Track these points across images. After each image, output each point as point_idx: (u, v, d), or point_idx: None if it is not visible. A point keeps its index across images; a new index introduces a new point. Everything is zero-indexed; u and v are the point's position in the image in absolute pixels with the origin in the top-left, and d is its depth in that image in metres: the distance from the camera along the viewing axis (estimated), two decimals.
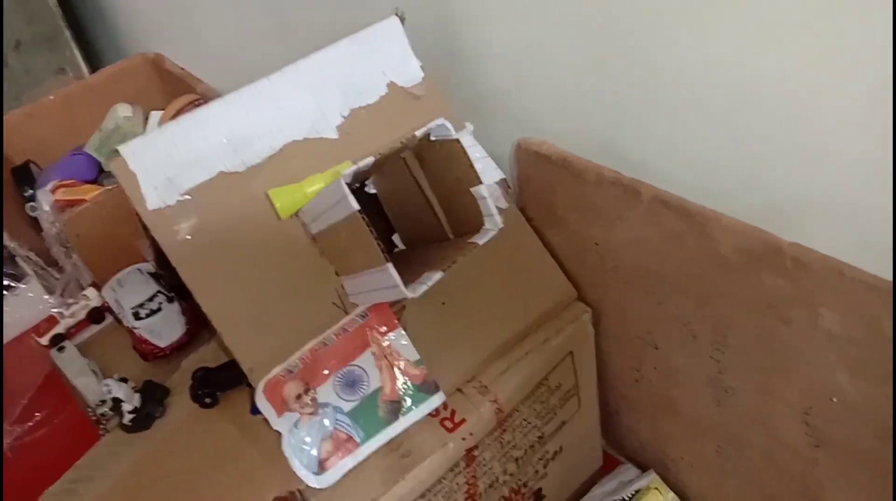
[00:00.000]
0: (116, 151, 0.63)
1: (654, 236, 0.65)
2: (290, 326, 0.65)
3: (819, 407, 0.59)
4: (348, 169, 0.58)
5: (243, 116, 0.66)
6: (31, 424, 1.03)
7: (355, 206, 0.55)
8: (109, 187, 1.10)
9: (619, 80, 0.65)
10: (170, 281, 0.84)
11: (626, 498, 0.83)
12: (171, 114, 1.31)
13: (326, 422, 0.63)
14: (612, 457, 0.91)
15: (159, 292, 0.83)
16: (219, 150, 0.65)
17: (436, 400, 0.66)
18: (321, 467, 0.63)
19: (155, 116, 1.37)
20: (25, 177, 1.26)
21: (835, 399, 0.57)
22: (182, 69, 1.32)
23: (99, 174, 1.30)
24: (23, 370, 1.06)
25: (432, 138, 0.63)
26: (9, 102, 1.50)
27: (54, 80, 1.53)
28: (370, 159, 0.59)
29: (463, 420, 0.67)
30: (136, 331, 0.81)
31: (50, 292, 1.12)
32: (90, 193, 1.10)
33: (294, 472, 0.62)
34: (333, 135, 0.69)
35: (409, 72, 0.72)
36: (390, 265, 0.55)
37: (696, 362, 0.68)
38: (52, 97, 1.33)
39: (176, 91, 1.29)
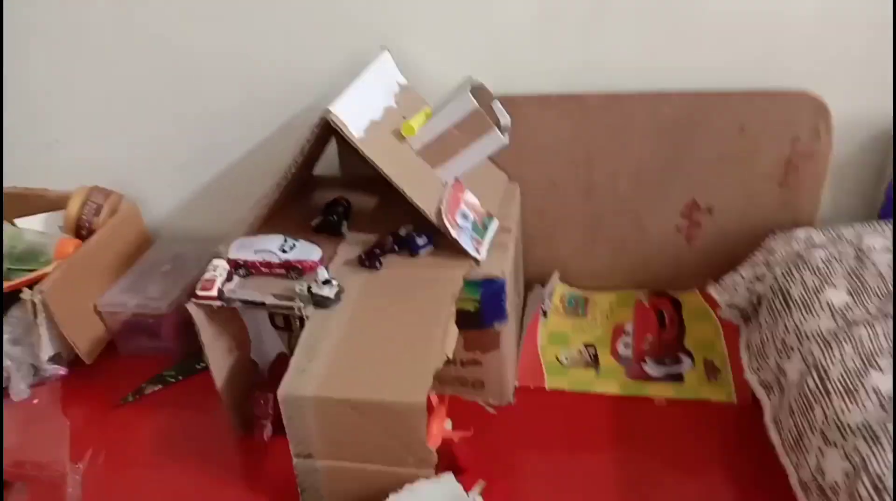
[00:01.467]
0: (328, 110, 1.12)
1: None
2: (432, 186, 1.21)
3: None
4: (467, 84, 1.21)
5: (367, 91, 1.22)
6: None
7: (473, 104, 1.19)
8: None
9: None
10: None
11: (549, 292, 1.53)
12: (75, 208, 1.54)
13: (472, 231, 1.21)
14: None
15: (286, 238, 1.22)
16: (366, 111, 1.19)
17: (496, 222, 1.29)
18: (477, 251, 1.20)
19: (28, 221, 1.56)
20: None
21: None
22: None
23: None
24: None
25: None
26: None
27: None
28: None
29: None
30: (288, 260, 1.19)
31: None
32: None
33: (469, 253, 1.18)
34: (395, 106, 1.29)
35: (399, 77, 1.37)
36: (495, 128, 1.20)
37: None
38: None
39: None
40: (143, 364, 1.51)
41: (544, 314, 1.51)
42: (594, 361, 1.43)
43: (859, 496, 0.87)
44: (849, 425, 0.94)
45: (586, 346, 1.46)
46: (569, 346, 1.46)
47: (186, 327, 1.48)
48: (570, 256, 1.56)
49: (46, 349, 1.42)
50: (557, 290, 1.56)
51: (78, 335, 1.44)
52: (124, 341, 1.53)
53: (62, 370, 1.46)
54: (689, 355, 1.41)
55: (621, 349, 1.45)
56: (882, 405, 0.94)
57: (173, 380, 1.48)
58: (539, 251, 1.54)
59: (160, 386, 1.46)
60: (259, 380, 1.36)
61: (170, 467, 1.29)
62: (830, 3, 1.25)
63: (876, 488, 0.86)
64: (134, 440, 1.35)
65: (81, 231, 1.56)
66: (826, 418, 0.98)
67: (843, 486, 0.90)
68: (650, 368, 1.40)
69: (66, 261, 1.45)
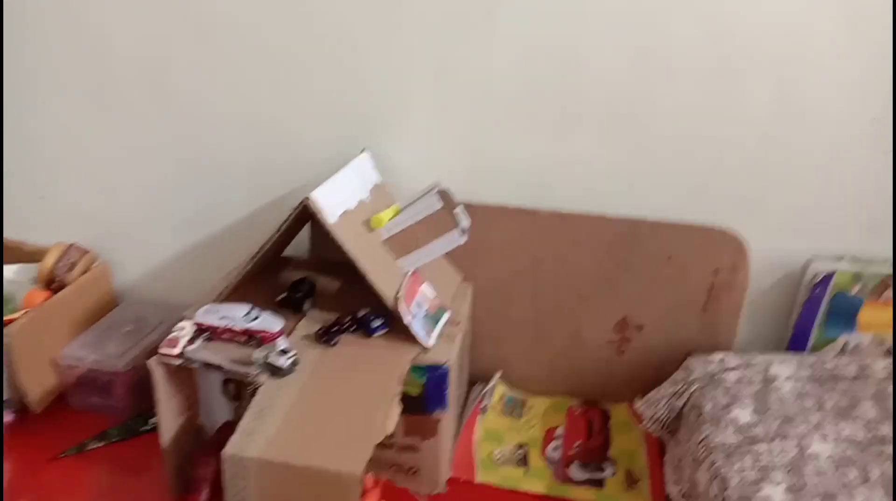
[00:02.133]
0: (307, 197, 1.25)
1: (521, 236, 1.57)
2: (393, 274, 1.33)
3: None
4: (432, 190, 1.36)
5: (345, 184, 1.36)
6: None
7: (439, 204, 1.34)
8: None
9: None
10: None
11: (489, 390, 1.63)
12: (50, 262, 1.62)
13: (423, 319, 1.32)
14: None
15: (252, 308, 1.32)
16: (342, 201, 1.33)
17: (448, 315, 1.41)
18: (427, 338, 1.31)
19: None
20: None
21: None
22: None
23: None
24: None
25: None
26: None
27: None
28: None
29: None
30: (250, 328, 1.28)
31: None
32: None
33: (420, 339, 1.29)
34: (368, 200, 1.43)
35: (375, 176, 1.52)
36: (457, 231, 1.35)
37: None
38: None
39: None
40: (89, 420, 1.54)
41: (483, 410, 1.60)
42: (524, 460, 1.51)
43: None
44: None
45: (519, 445, 1.54)
46: (503, 444, 1.54)
47: (138, 388, 1.54)
48: (513, 358, 1.67)
49: None
50: (498, 389, 1.66)
51: (32, 384, 1.48)
52: (76, 395, 1.57)
53: (9, 416, 1.48)
54: (613, 463, 1.51)
55: (550, 452, 1.53)
56: None
57: (116, 439, 1.51)
58: (485, 350, 1.65)
59: (103, 443, 1.49)
60: (203, 445, 1.41)
61: None
62: (759, 149, 1.45)
63: None
64: (69, 493, 1.37)
65: (52, 285, 1.62)
66: None
67: None
68: (575, 472, 1.48)
69: (33, 310, 1.51)
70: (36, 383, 1.49)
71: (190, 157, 1.68)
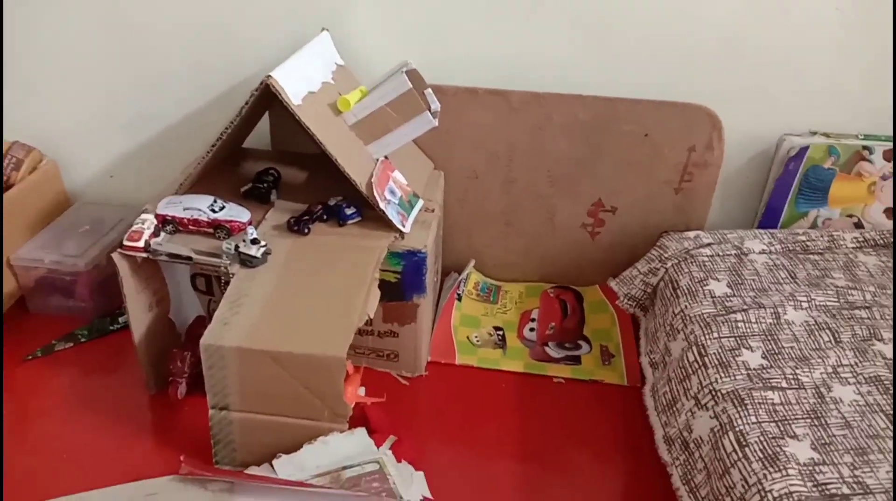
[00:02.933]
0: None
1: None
2: (363, 160, 1.28)
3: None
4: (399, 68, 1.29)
5: (307, 64, 1.28)
6: None
7: (409, 85, 1.27)
8: None
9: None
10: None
11: (464, 278, 1.63)
12: None
13: (397, 206, 1.28)
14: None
15: (216, 199, 1.26)
16: (305, 83, 1.25)
17: (422, 202, 1.37)
18: (402, 224, 1.27)
19: None
20: None
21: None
22: None
23: None
24: None
25: None
26: None
27: None
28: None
29: None
30: (217, 219, 1.23)
31: None
32: None
33: (395, 225, 1.25)
34: (332, 82, 1.35)
35: (337, 57, 1.43)
36: (427, 112, 1.29)
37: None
38: None
39: None
40: (53, 323, 1.49)
41: (459, 298, 1.60)
42: (502, 342, 1.52)
43: (723, 447, 0.99)
44: (720, 391, 1.07)
45: (495, 329, 1.56)
46: (479, 328, 1.55)
47: (102, 287, 1.49)
48: (486, 247, 1.66)
49: None
50: (472, 277, 1.66)
51: None
52: (36, 298, 1.51)
53: None
54: (588, 341, 1.53)
55: (527, 333, 1.55)
56: (749, 377, 1.08)
57: (84, 339, 1.47)
58: (458, 240, 1.63)
59: (71, 344, 1.45)
60: (176, 339, 1.38)
61: (80, 421, 1.28)
62: (731, 34, 1.41)
63: (739, 442, 0.98)
64: (42, 394, 1.34)
65: None
66: (701, 386, 1.10)
67: (708, 440, 1.03)
68: (552, 350, 1.50)
69: None
70: None
71: (127, 52, 1.56)
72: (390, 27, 1.48)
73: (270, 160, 1.48)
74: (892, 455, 0.93)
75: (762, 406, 1.02)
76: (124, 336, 1.46)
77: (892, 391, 1.03)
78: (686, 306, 1.25)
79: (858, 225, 1.50)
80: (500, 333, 1.54)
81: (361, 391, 1.30)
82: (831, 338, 1.13)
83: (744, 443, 0.98)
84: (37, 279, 1.49)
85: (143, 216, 1.23)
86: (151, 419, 1.30)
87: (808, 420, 1.00)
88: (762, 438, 0.96)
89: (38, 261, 1.47)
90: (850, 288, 1.23)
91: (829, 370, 1.07)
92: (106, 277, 1.51)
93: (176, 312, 1.38)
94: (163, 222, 1.23)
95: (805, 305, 1.19)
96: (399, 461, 1.13)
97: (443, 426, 1.31)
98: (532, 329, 1.56)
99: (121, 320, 1.50)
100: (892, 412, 1.00)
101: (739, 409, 1.02)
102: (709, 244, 1.36)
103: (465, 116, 1.49)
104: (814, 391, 1.05)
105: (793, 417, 1.00)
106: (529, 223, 1.61)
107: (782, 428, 0.98)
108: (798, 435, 0.96)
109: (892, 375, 1.06)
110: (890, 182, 1.47)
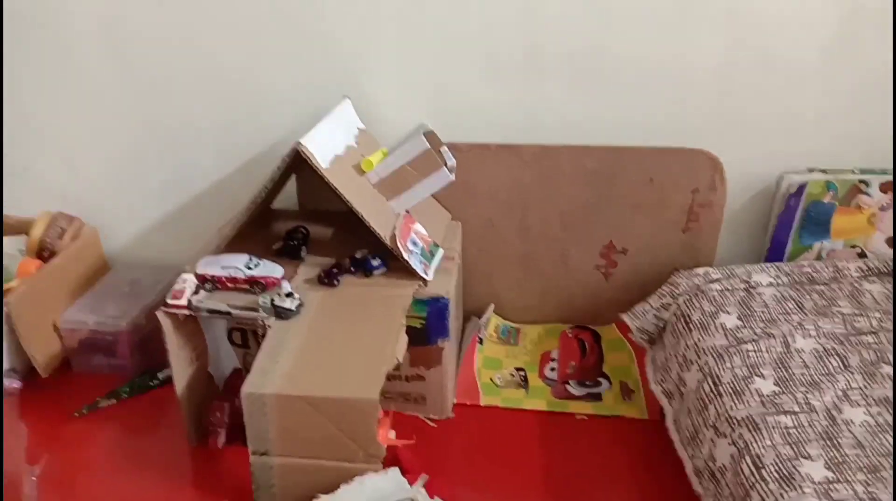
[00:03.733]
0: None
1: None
2: (386, 215, 1.37)
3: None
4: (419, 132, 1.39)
5: (332, 130, 1.38)
6: None
7: (426, 145, 1.37)
8: None
9: None
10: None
11: (484, 322, 1.69)
12: (39, 231, 1.63)
13: (420, 256, 1.37)
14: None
15: (251, 257, 1.35)
16: (331, 147, 1.35)
17: (442, 251, 1.46)
18: (425, 273, 1.35)
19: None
20: None
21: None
22: None
23: None
24: None
25: None
26: None
27: None
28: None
29: None
30: (253, 276, 1.31)
31: None
32: None
33: (419, 274, 1.33)
34: (355, 145, 1.45)
35: (358, 122, 1.54)
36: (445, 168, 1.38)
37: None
38: None
39: None
40: (96, 381, 1.57)
41: (480, 341, 1.66)
42: (524, 382, 1.58)
43: (742, 472, 1.04)
44: (735, 418, 1.12)
45: (517, 369, 1.61)
46: (502, 369, 1.61)
47: (141, 346, 1.57)
48: (504, 291, 1.73)
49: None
50: (492, 321, 1.72)
51: (36, 350, 1.50)
52: (80, 358, 1.59)
53: (16, 383, 1.51)
54: (607, 378, 1.59)
55: (548, 372, 1.61)
56: (762, 403, 1.13)
57: (126, 396, 1.54)
58: (477, 286, 1.71)
59: (114, 401, 1.52)
60: (215, 392, 1.45)
61: (125, 473, 1.35)
62: (724, 78, 1.51)
63: (756, 465, 1.03)
64: (89, 449, 1.41)
65: (43, 253, 1.63)
66: (718, 415, 1.15)
67: (730, 467, 1.07)
68: (573, 388, 1.56)
69: (30, 278, 1.51)
70: (40, 348, 1.51)
71: (157, 119, 1.68)
72: (406, 92, 1.59)
73: (298, 219, 1.57)
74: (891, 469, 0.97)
75: (776, 430, 1.07)
76: (163, 392, 1.54)
77: (893, 408, 1.08)
78: (699, 339, 1.30)
79: (862, 255, 1.56)
80: (522, 373, 1.60)
81: (392, 434, 1.35)
82: (840, 363, 1.18)
83: (760, 466, 1.03)
84: (80, 340, 1.57)
85: (184, 276, 1.32)
86: (193, 470, 1.37)
87: (821, 442, 1.05)
88: (777, 459, 1.01)
89: (82, 323, 1.56)
90: (856, 315, 1.28)
91: (840, 393, 1.12)
92: (145, 335, 1.60)
93: (214, 366, 1.45)
94: (203, 280, 1.32)
95: (813, 333, 1.24)
96: (432, 497, 1.18)
97: (472, 465, 1.36)
98: (553, 369, 1.61)
99: (160, 376, 1.57)
100: None
101: (755, 434, 1.07)
102: (718, 279, 1.43)
103: (479, 170, 1.58)
104: (825, 413, 1.10)
105: (806, 439, 1.05)
106: (545, 267, 1.69)
107: (796, 450, 1.03)
108: (812, 456, 1.01)
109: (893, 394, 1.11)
110: (889, 213, 1.53)
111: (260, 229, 1.54)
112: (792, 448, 1.03)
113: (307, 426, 1.16)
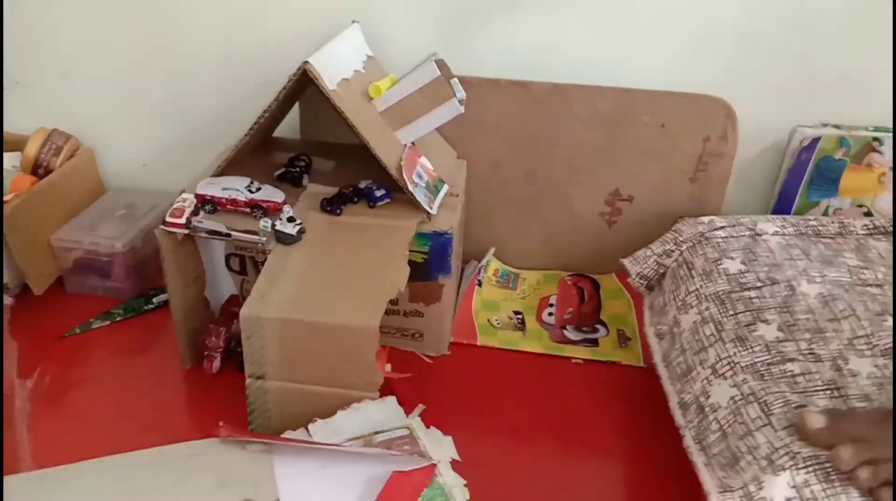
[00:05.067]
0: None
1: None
2: (392, 145, 1.33)
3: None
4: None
5: (340, 52, 1.34)
6: None
7: (437, 73, 1.33)
8: None
9: None
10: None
11: (483, 265, 1.68)
12: (34, 147, 1.59)
13: (424, 189, 1.34)
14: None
15: (252, 180, 1.32)
16: (339, 70, 1.31)
17: (447, 187, 1.43)
18: (430, 206, 1.33)
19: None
20: None
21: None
22: None
23: None
24: None
25: None
26: None
27: None
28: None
29: None
30: (254, 199, 1.29)
31: None
32: None
33: (423, 207, 1.31)
34: (363, 71, 1.41)
35: (366, 48, 1.49)
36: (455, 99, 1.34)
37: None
38: None
39: None
40: (90, 302, 1.55)
41: (479, 283, 1.65)
42: (521, 325, 1.57)
43: (747, 413, 1.04)
44: (739, 364, 1.11)
45: (515, 313, 1.61)
46: (499, 312, 1.60)
47: (136, 269, 1.55)
48: (505, 235, 1.71)
49: None
50: (492, 265, 1.71)
51: (29, 266, 1.48)
52: (74, 278, 1.57)
53: (8, 300, 1.48)
54: (605, 326, 1.58)
55: (545, 317, 1.60)
56: (767, 349, 1.12)
57: (120, 318, 1.52)
58: (478, 229, 1.69)
59: (108, 322, 1.51)
60: (210, 318, 1.44)
61: (119, 389, 1.34)
62: (747, 28, 1.47)
63: (764, 411, 1.03)
64: (81, 367, 1.39)
65: (38, 170, 1.59)
66: (719, 358, 1.15)
67: (728, 405, 1.07)
68: (570, 333, 1.55)
69: (22, 193, 1.48)
70: (33, 266, 1.49)
71: (159, 39, 1.63)
72: (417, 20, 1.54)
73: (300, 149, 1.54)
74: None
75: (782, 380, 1.07)
76: (158, 316, 1.53)
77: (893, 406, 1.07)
78: (701, 285, 1.29)
79: (868, 215, 1.55)
80: (520, 316, 1.59)
81: (388, 367, 1.35)
82: (846, 309, 1.17)
83: (767, 412, 1.02)
84: (75, 260, 1.55)
85: (184, 196, 1.29)
86: (187, 392, 1.36)
87: (829, 392, 1.04)
88: (786, 407, 1.01)
89: (76, 242, 1.53)
90: (861, 268, 1.27)
91: (846, 341, 1.11)
92: (140, 259, 1.57)
93: (211, 290, 1.43)
94: (202, 201, 1.29)
95: (818, 279, 1.23)
96: (428, 427, 1.18)
97: (467, 401, 1.36)
98: (551, 313, 1.61)
99: (155, 300, 1.56)
100: None
101: (762, 382, 1.07)
102: (722, 227, 1.41)
103: (487, 107, 1.55)
104: (831, 363, 1.09)
105: (813, 388, 1.05)
106: (548, 213, 1.67)
107: (804, 400, 1.02)
108: (819, 407, 1.01)
109: None
110: None
111: (260, 157, 1.51)
112: (799, 397, 1.03)
113: (305, 352, 1.15)
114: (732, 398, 1.08)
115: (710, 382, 1.13)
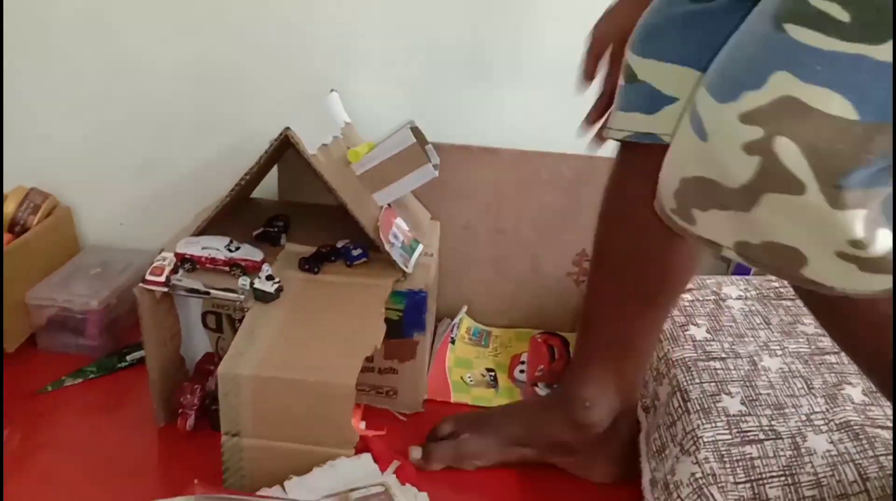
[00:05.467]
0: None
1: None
2: (369, 206, 1.39)
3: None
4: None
5: (320, 119, 1.40)
6: None
7: (413, 139, 1.40)
8: None
9: None
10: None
11: (456, 323, 1.72)
12: (12, 206, 1.61)
13: (400, 249, 1.39)
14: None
15: (231, 240, 1.36)
16: (318, 136, 1.37)
17: (421, 246, 1.48)
18: (405, 265, 1.38)
19: None
20: None
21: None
22: None
23: None
24: None
25: None
26: None
27: None
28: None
29: None
30: (233, 258, 1.32)
31: None
32: None
33: (399, 266, 1.35)
34: (341, 137, 1.48)
35: (345, 115, 1.56)
36: (430, 164, 1.41)
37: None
38: None
39: None
40: (63, 360, 1.54)
41: (452, 341, 1.68)
42: (494, 382, 1.61)
43: (710, 495, 1.06)
44: (702, 438, 1.15)
45: (488, 370, 1.64)
46: (472, 369, 1.64)
47: (110, 327, 1.56)
48: (477, 294, 1.76)
49: None
50: (464, 323, 1.75)
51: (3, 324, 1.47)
52: (47, 335, 1.56)
53: None
54: None
55: (517, 374, 1.64)
56: (728, 425, 1.16)
57: (93, 376, 1.52)
58: (451, 287, 1.73)
59: (80, 380, 1.50)
60: (186, 374, 1.44)
61: (92, 449, 1.33)
62: None
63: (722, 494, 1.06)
64: (53, 425, 1.38)
65: (15, 228, 1.60)
66: (685, 432, 1.18)
67: (687, 483, 1.10)
68: (541, 390, 1.59)
69: None
70: (7, 322, 1.48)
71: (136, 102, 1.69)
72: (393, 90, 1.63)
73: (279, 209, 1.58)
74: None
75: (739, 464, 1.09)
76: (131, 374, 1.53)
77: (861, 436, 1.11)
78: (669, 351, 1.34)
79: None
80: (493, 374, 1.63)
81: (362, 425, 1.36)
82: (804, 385, 1.22)
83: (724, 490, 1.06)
84: (49, 318, 1.55)
85: (164, 254, 1.31)
86: (161, 450, 1.35)
87: (783, 478, 1.07)
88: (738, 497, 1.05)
89: (51, 300, 1.53)
90: (819, 335, 1.34)
91: (804, 418, 1.16)
92: (115, 317, 1.58)
93: (185, 348, 1.44)
94: (182, 260, 1.32)
95: (779, 352, 1.29)
96: (403, 484, 1.19)
97: None
98: (522, 371, 1.64)
99: (128, 358, 1.56)
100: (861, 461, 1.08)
101: (718, 463, 1.10)
102: (689, 290, 1.48)
103: (459, 171, 1.62)
104: (790, 441, 1.12)
105: (769, 474, 1.08)
106: (518, 271, 1.72)
107: (757, 488, 1.06)
108: (771, 499, 1.05)
109: (860, 419, 1.14)
110: None
111: (239, 217, 1.55)
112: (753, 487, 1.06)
113: (282, 409, 1.16)
114: (693, 475, 1.11)
115: (678, 459, 1.15)
